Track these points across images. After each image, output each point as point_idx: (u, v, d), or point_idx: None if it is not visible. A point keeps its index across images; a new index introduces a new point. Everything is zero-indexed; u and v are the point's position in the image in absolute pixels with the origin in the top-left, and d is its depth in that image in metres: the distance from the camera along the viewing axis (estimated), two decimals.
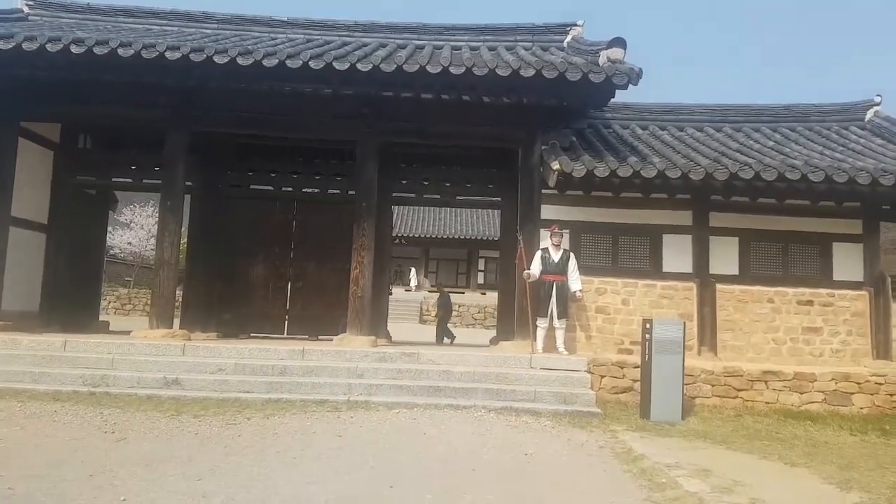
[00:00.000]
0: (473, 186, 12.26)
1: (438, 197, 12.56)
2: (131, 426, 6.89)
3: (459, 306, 30.85)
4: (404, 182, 12.31)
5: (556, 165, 9.49)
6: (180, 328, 11.17)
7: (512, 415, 8.10)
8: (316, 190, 12.47)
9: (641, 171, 9.39)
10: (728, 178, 9.37)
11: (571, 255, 10.15)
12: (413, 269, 39.93)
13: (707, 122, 12.26)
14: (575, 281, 10.01)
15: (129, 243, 34.64)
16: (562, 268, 10.01)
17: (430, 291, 36.30)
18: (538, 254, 10.14)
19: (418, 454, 6.31)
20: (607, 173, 9.42)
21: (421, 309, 31.62)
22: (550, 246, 10.14)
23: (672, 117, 12.25)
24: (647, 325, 8.73)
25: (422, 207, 42.25)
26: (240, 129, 11.08)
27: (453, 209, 41.47)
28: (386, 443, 6.63)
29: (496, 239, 36.68)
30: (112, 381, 8.45)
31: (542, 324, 10.03)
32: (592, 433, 7.54)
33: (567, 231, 10.38)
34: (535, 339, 9.99)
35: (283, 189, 12.48)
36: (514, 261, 10.39)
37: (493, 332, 26.96)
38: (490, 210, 42.27)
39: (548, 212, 10.55)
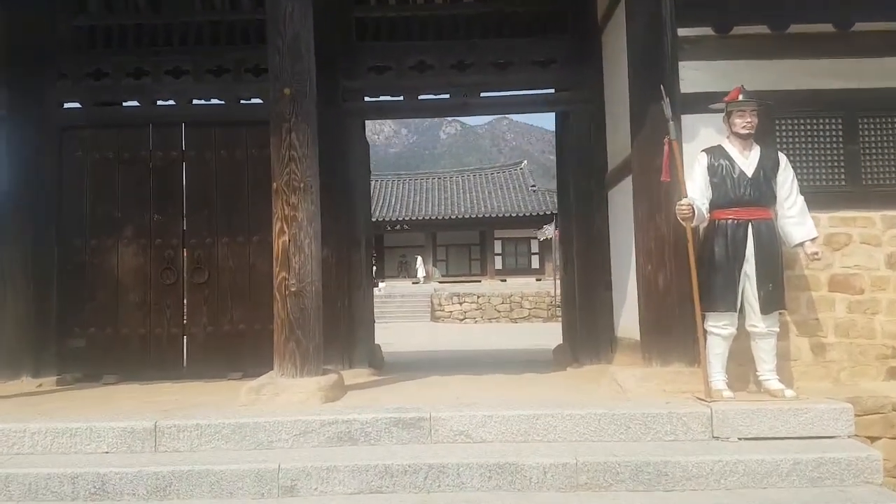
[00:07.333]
0: (515, 69, 6.63)
1: (448, 96, 6.88)
2: None
3: (479, 297, 25.88)
4: (382, 74, 6.73)
5: None
6: None
7: None
8: (218, 101, 6.92)
9: None
10: None
11: (782, 156, 4.57)
12: (420, 259, 35.24)
13: None
14: (798, 218, 4.45)
15: None
16: (762, 189, 4.44)
17: (440, 282, 31.03)
18: (701, 160, 4.58)
19: None
20: None
21: (432, 304, 26.66)
22: (728, 140, 4.57)
23: None
24: None
25: (423, 182, 37.15)
26: None
27: (460, 185, 36.22)
28: None
29: (515, 215, 32.24)
30: None
31: (720, 326, 4.44)
32: None
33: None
34: (709, 362, 4.41)
35: (160, 103, 6.92)
36: (660, 177, 4.59)
37: (524, 327, 21.32)
38: (506, 180, 36.37)
39: (693, 77, 4.98)
